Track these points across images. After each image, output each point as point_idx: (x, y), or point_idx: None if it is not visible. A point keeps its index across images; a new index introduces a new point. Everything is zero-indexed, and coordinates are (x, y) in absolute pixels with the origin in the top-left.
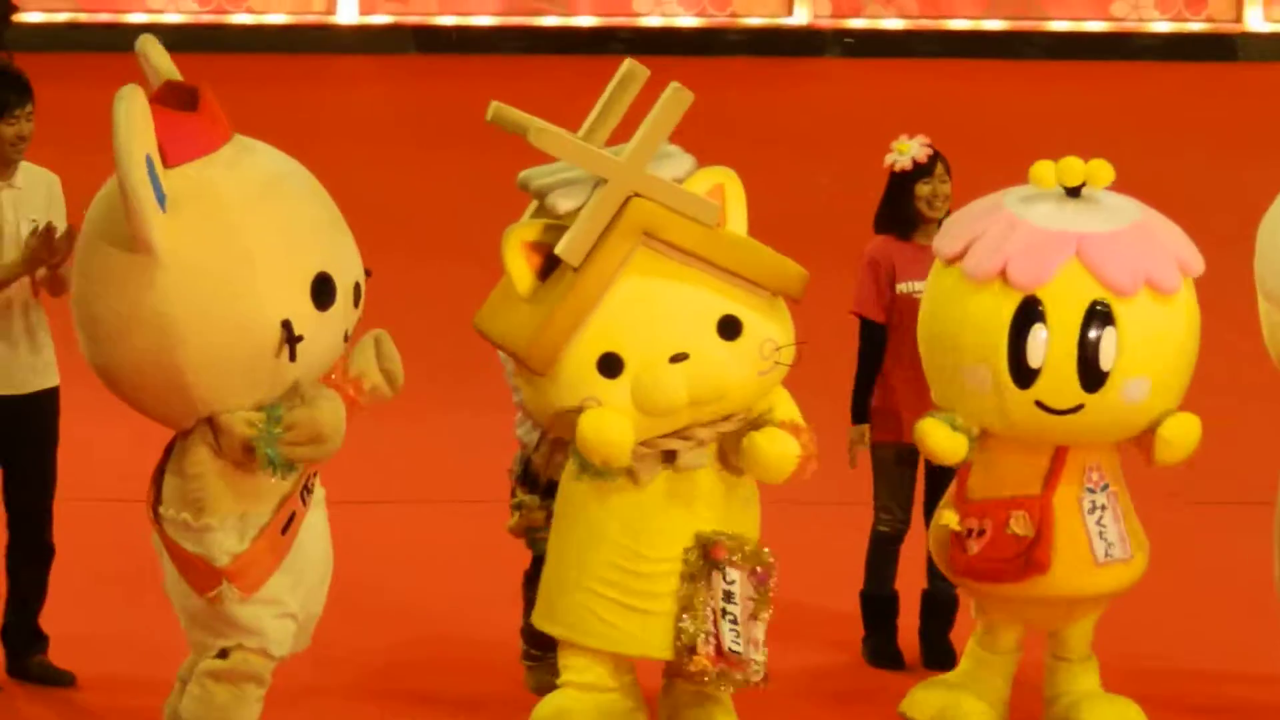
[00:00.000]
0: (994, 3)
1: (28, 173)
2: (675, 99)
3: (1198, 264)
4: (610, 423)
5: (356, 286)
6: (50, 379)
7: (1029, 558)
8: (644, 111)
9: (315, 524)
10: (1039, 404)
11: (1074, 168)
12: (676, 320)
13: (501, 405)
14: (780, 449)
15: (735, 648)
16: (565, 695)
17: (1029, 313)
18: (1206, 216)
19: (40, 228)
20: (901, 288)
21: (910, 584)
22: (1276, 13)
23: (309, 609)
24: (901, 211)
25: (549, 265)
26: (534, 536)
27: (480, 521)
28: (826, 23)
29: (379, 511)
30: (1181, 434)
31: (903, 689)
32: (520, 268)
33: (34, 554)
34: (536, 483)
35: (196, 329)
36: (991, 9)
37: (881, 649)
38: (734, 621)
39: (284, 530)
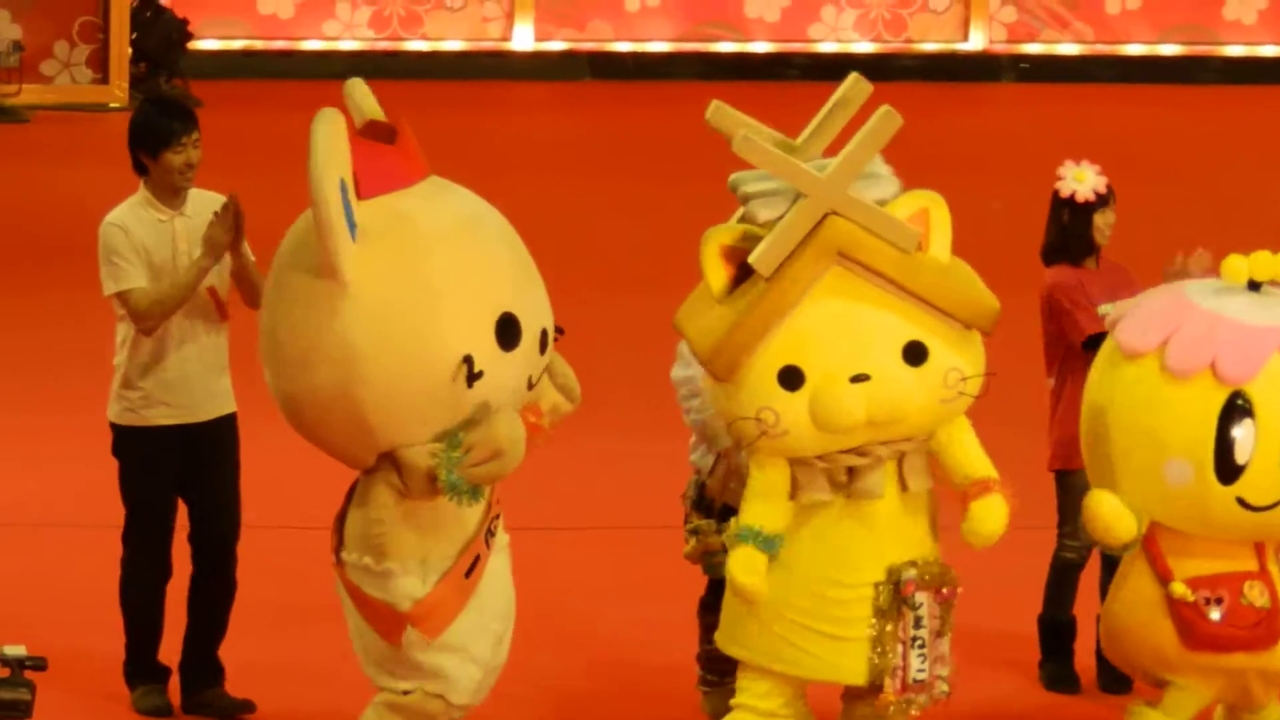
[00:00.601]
0: (1169, 28)
1: (197, 199)
2: (885, 121)
3: None
4: (751, 565)
5: (544, 334)
6: (228, 405)
7: (1270, 626)
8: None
9: (499, 569)
10: (1240, 500)
11: (1266, 262)
12: (862, 341)
13: (675, 431)
14: (997, 522)
15: (920, 676)
16: (741, 718)
17: (1236, 408)
18: None
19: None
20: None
21: (1084, 607)
22: None
23: (494, 659)
24: (1078, 240)
25: (745, 271)
26: (710, 561)
27: (655, 547)
28: (1002, 48)
29: (554, 538)
30: None
31: (1079, 712)
32: (716, 270)
33: (217, 589)
34: (711, 508)
35: (378, 360)
36: (1167, 34)
37: (1059, 673)
38: (922, 647)
39: (468, 574)
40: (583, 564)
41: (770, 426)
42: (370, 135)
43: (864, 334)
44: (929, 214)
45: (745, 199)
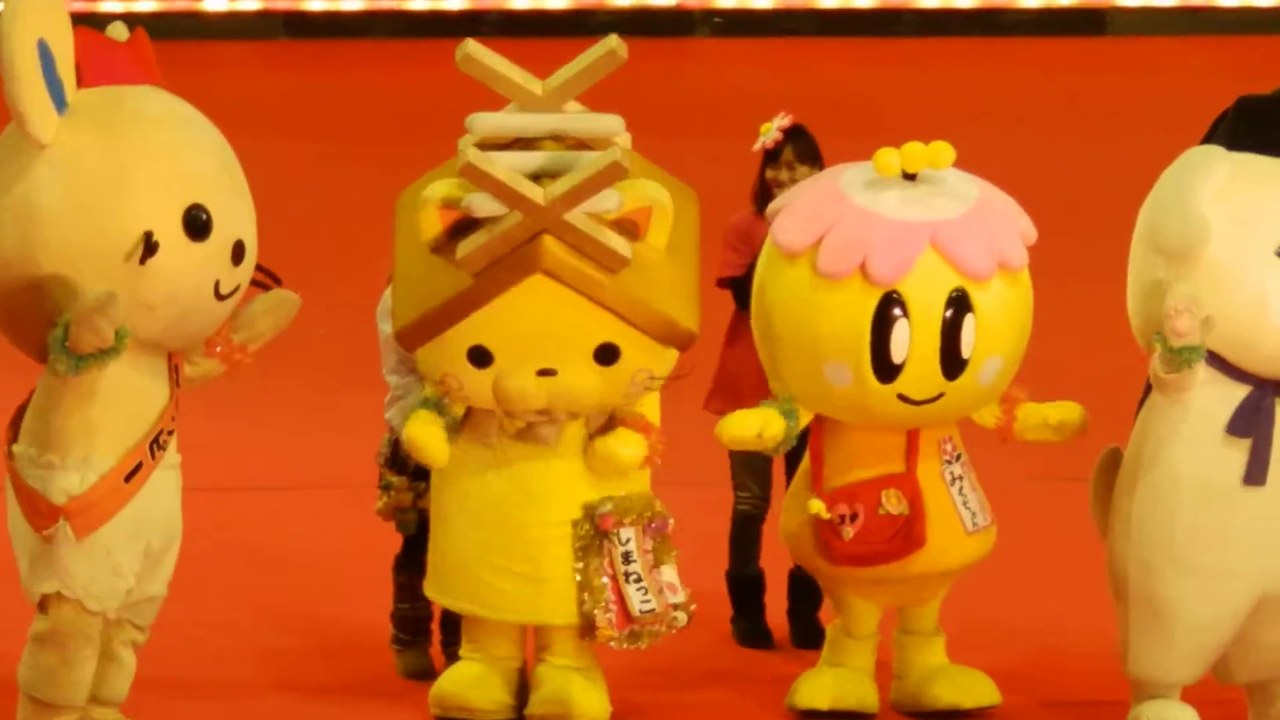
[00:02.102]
0: None
1: None
2: (614, 166)
3: (1032, 232)
4: (432, 440)
5: (239, 244)
6: None
7: (908, 534)
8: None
9: (164, 483)
10: (901, 396)
11: (917, 153)
12: (554, 341)
13: (370, 388)
14: (631, 453)
15: (647, 607)
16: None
17: (890, 308)
18: (1072, 191)
19: None
20: None
21: (776, 563)
22: None
23: (151, 587)
24: (758, 191)
25: (458, 229)
26: (402, 518)
27: (349, 506)
28: (695, 2)
29: (247, 498)
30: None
31: (773, 668)
32: (431, 225)
33: None
34: (405, 465)
35: (60, 223)
36: None
37: (750, 629)
38: (639, 580)
39: (127, 479)
40: (275, 523)
41: (455, 390)
42: (105, 33)
43: (557, 335)
44: (652, 212)
45: (467, 170)
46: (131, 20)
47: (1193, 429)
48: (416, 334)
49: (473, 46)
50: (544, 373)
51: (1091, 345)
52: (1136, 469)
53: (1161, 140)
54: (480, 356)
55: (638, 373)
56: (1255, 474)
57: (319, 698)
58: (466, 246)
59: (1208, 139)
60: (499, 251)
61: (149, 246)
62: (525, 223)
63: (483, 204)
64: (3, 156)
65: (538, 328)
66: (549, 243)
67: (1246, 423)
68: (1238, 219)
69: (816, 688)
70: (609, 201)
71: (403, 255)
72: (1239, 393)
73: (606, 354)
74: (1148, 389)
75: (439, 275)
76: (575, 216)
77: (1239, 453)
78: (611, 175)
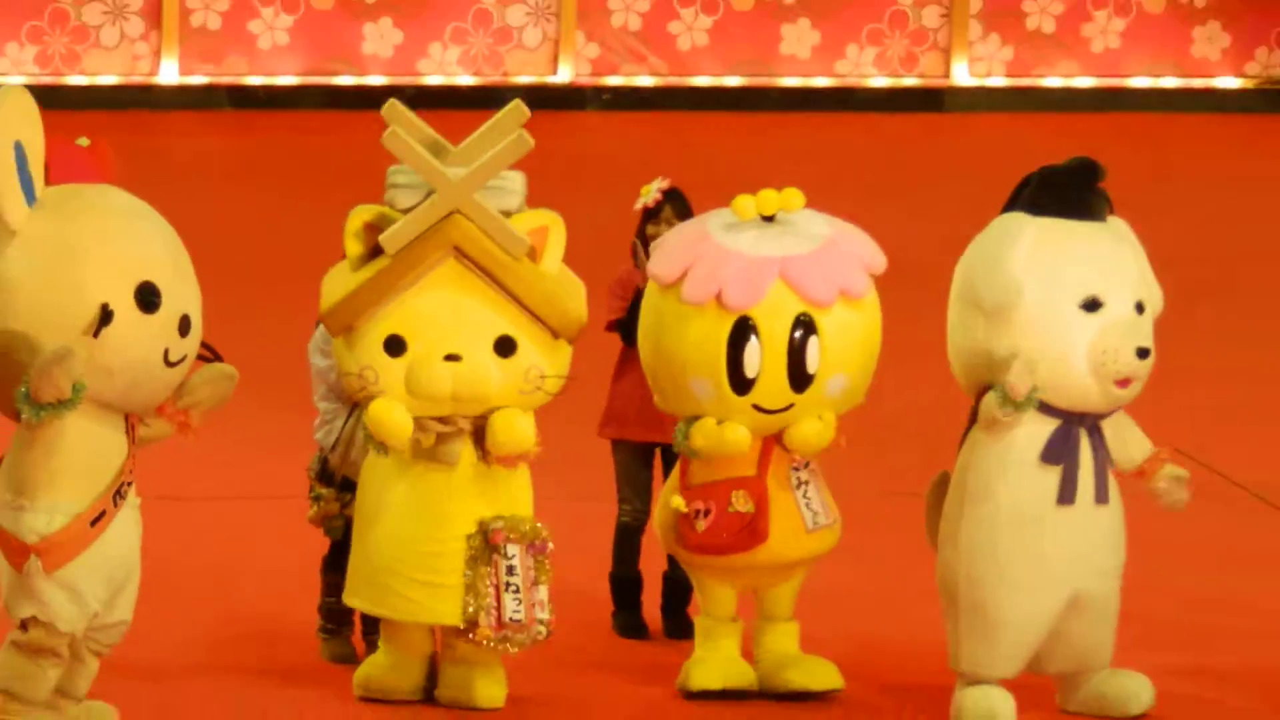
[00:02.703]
0: (733, 63)
1: None
2: (516, 143)
3: (880, 263)
4: (392, 411)
5: (186, 318)
6: None
7: (753, 530)
8: None
9: (125, 521)
10: (756, 406)
11: (769, 199)
12: (460, 327)
13: (303, 412)
14: (523, 430)
15: (516, 616)
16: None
17: (743, 330)
18: (915, 248)
19: None
20: None
21: (651, 566)
22: (979, 69)
23: (116, 613)
24: (639, 243)
25: (380, 247)
26: (330, 525)
27: (283, 514)
28: (587, 80)
29: (194, 507)
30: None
31: (650, 656)
32: (355, 241)
33: None
34: (332, 479)
35: (27, 295)
36: (731, 68)
37: (629, 622)
38: (516, 592)
39: (92, 524)
40: (221, 528)
41: (370, 384)
42: (69, 139)
43: (463, 321)
44: (548, 231)
45: (391, 186)
46: (94, 91)
47: (1013, 460)
48: (342, 313)
49: (395, 132)
50: (450, 358)
51: (924, 382)
52: (963, 496)
53: (995, 203)
54: (394, 344)
55: (530, 369)
56: (1067, 495)
57: (253, 679)
58: (388, 231)
59: (1010, 205)
60: (414, 230)
61: (104, 316)
62: (438, 201)
63: (404, 196)
64: None
65: (446, 314)
66: (459, 221)
67: (1058, 451)
68: (1045, 279)
69: (706, 671)
70: (512, 200)
71: (329, 290)
72: (1049, 426)
73: (505, 345)
74: (970, 423)
75: (362, 272)
76: (483, 203)
77: (1052, 477)
78: (516, 150)
